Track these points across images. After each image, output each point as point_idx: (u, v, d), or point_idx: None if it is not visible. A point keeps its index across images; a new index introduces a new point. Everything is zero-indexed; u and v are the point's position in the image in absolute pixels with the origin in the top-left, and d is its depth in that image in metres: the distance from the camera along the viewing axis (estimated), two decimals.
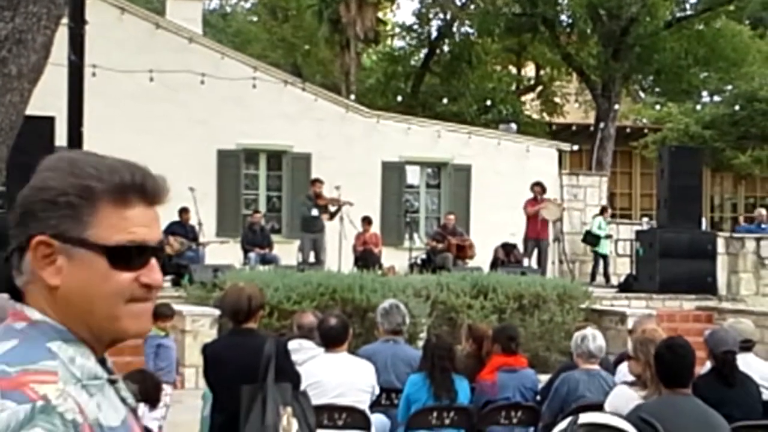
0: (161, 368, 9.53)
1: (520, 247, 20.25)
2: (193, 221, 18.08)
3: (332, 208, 19.08)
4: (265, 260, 18.37)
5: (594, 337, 7.55)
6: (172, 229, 17.69)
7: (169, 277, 17.49)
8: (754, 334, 8.48)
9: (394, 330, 8.14)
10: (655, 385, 6.10)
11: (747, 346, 7.89)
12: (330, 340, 7.21)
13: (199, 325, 13.29)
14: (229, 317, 6.08)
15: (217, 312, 12.50)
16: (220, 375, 5.76)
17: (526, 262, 19.50)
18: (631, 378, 6.54)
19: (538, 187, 20.22)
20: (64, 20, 6.09)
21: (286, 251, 19.26)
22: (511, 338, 8.05)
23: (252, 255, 18.52)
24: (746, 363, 7.44)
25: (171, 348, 9.69)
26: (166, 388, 9.50)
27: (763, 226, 23.84)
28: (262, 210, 21.48)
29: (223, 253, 18.14)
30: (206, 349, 6.10)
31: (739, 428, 6.34)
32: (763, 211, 25.72)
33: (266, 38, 39.20)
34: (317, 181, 19.27)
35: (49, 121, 14.83)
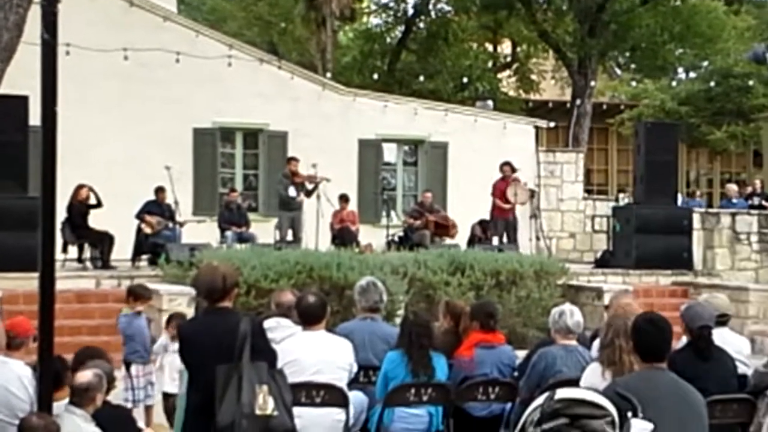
0: (136, 351, 9.51)
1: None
2: (169, 200, 18.01)
3: (309, 186, 19.06)
4: (242, 239, 18.34)
5: (572, 313, 7.58)
6: (148, 209, 17.63)
7: (145, 257, 17.49)
8: (729, 308, 8.52)
9: (372, 308, 8.15)
10: (624, 363, 6.13)
11: (722, 320, 7.93)
12: (308, 317, 7.21)
13: (176, 304, 13.27)
14: (204, 296, 6.04)
15: (194, 291, 12.48)
16: (196, 354, 5.74)
17: (495, 240, 19.51)
18: None
19: (507, 167, 20.20)
20: None
21: (263, 229, 19.23)
22: (490, 315, 8.07)
23: (229, 233, 18.49)
24: (721, 337, 7.48)
25: (141, 326, 9.66)
26: (143, 368, 9.50)
27: (734, 201, 23.97)
28: (239, 188, 21.43)
29: (199, 231, 18.10)
30: (181, 329, 6.09)
31: (714, 402, 6.38)
32: (734, 186, 25.87)
33: (242, 16, 38.94)
34: (293, 159, 19.23)
35: (23, 100, 14.79)
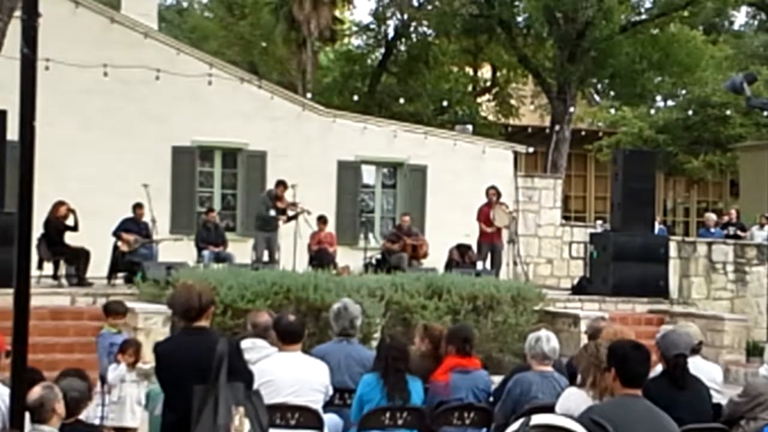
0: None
1: (475, 249, 20.27)
2: (146, 218, 17.93)
3: (290, 213, 19.00)
4: (219, 258, 18.27)
5: (548, 339, 7.57)
6: (125, 226, 17.54)
7: (121, 275, 17.39)
8: (701, 337, 8.56)
9: (347, 330, 8.13)
10: (600, 383, 6.15)
11: (695, 348, 7.96)
12: (289, 336, 7.20)
13: (152, 323, 13.20)
14: (180, 316, 6.00)
15: (170, 310, 12.41)
16: (173, 374, 5.70)
17: (480, 265, 19.51)
18: None
19: (493, 191, 20.18)
20: (17, 13, 6.02)
21: (241, 249, 19.17)
22: (466, 339, 8.04)
23: (206, 253, 18.42)
24: (695, 365, 7.50)
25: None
26: None
27: (712, 230, 24.10)
28: (217, 207, 21.36)
29: (176, 250, 18.01)
30: (158, 348, 6.04)
31: (690, 431, 6.38)
32: (712, 215, 26.01)
33: (223, 35, 39.01)
34: (282, 183, 19.05)
35: (1, 114, 14.73)
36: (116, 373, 8.96)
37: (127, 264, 17.24)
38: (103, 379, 9.37)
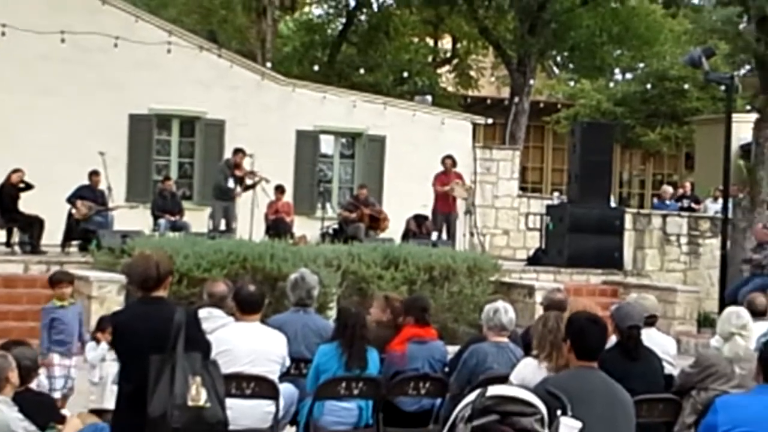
0: (55, 340, 9.24)
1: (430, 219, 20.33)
2: (102, 186, 17.79)
3: (248, 182, 18.93)
4: (175, 227, 18.17)
5: (506, 310, 7.63)
6: (80, 193, 17.40)
7: (76, 243, 17.26)
8: (657, 309, 8.68)
9: (304, 300, 8.15)
10: (558, 359, 6.22)
11: (650, 321, 8.07)
12: (249, 306, 7.21)
13: (106, 291, 13.15)
14: (138, 286, 5.93)
15: (124, 278, 12.36)
16: (130, 344, 5.64)
17: (434, 235, 19.57)
18: None
19: (449, 160, 20.28)
20: None
21: (197, 218, 19.09)
22: (425, 309, 8.11)
23: (162, 221, 18.32)
24: (649, 337, 7.60)
25: (65, 320, 9.35)
26: (64, 360, 9.23)
27: (667, 202, 24.32)
28: (174, 176, 21.23)
29: (132, 218, 17.91)
30: (115, 318, 6.00)
31: (641, 401, 6.47)
32: (669, 188, 26.25)
33: (182, 2, 38.51)
34: (241, 151, 18.94)
35: None
36: (97, 353, 8.67)
37: (81, 232, 17.10)
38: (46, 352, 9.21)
